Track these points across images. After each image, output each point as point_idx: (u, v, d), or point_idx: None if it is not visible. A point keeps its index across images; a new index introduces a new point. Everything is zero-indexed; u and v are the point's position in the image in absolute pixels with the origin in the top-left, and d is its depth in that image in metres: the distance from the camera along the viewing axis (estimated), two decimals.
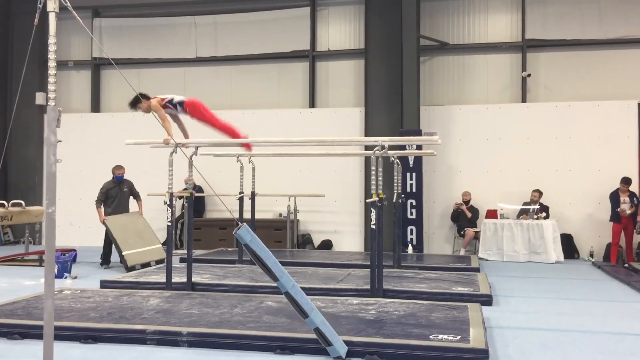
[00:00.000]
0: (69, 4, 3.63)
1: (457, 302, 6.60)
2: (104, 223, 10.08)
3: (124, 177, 10.62)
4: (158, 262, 10.02)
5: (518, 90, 12.77)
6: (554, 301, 7.41)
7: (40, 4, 3.59)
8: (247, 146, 7.84)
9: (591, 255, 11.70)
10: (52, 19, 3.61)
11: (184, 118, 7.64)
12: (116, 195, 10.45)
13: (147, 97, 7.31)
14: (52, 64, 3.70)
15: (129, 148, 8.60)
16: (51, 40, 3.66)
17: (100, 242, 10.52)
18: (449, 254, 12.32)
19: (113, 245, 10.12)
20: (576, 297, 7.78)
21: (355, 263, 9.88)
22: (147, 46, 14.26)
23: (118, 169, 10.51)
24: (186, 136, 7.71)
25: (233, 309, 6.02)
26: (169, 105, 7.35)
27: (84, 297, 6.69)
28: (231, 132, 7.46)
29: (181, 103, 7.33)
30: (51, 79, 3.68)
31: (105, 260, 10.32)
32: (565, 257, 11.37)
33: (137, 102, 7.28)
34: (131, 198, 10.73)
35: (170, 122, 7.31)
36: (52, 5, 3.57)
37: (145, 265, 9.80)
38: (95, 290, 7.24)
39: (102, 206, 10.24)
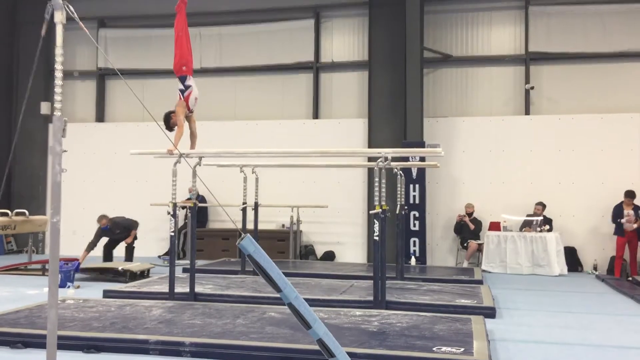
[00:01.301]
0: (75, 15, 3.64)
1: (460, 314, 6.57)
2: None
3: (116, 220, 10.66)
4: (144, 273, 9.84)
5: (521, 103, 12.78)
6: (557, 314, 7.38)
7: (47, 14, 3.60)
8: None
9: (595, 268, 11.65)
10: (59, 30, 3.61)
11: (197, 131, 7.85)
12: (110, 238, 10.74)
13: (172, 112, 7.59)
14: (58, 74, 3.70)
15: (133, 158, 8.65)
16: (58, 51, 3.66)
17: (101, 253, 10.68)
18: (452, 266, 12.29)
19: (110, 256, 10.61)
20: (579, 310, 7.74)
21: (358, 274, 9.86)
22: (152, 57, 14.30)
23: (100, 220, 10.47)
24: (192, 146, 7.75)
25: (236, 320, 6.02)
26: (187, 79, 7.59)
27: (87, 306, 6.69)
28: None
29: (182, 79, 7.60)
30: (57, 89, 3.68)
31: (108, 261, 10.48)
32: (569, 270, 11.33)
33: (169, 119, 7.51)
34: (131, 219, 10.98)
35: (182, 132, 7.40)
36: (59, 17, 3.58)
37: (141, 275, 9.73)
38: (98, 300, 7.24)
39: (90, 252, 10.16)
